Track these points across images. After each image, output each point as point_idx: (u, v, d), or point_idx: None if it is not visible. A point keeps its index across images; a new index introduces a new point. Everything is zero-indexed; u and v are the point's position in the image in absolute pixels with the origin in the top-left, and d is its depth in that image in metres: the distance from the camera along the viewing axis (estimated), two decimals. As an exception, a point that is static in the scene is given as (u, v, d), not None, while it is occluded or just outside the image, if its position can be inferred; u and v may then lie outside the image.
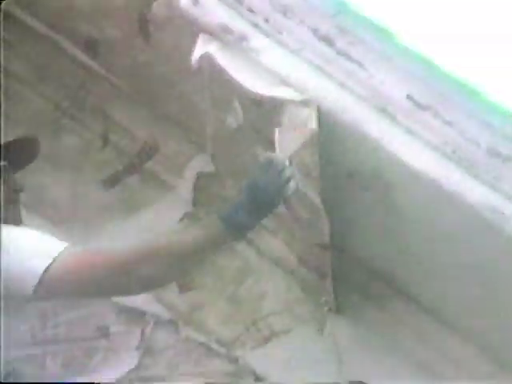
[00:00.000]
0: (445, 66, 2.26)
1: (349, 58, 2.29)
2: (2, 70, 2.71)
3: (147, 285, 2.13)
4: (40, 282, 2.01)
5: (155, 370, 2.78)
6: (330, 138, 2.30)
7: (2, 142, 2.38)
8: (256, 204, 2.08)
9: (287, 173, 2.11)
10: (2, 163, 2.32)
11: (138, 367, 2.76)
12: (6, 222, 2.22)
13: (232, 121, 2.19)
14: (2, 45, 2.88)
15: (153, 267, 2.03)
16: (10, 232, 2.12)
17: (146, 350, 2.78)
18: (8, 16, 2.88)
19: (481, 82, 2.26)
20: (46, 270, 2.01)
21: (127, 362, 2.77)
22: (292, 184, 2.12)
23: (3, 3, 2.57)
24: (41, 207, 2.86)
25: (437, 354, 2.66)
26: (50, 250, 2.06)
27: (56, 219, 2.87)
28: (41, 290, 2.02)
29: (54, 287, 2.03)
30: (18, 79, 2.99)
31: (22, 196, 2.38)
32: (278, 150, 2.22)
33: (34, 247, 2.08)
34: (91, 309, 2.83)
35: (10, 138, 2.38)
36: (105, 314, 2.83)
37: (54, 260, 2.02)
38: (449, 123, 2.22)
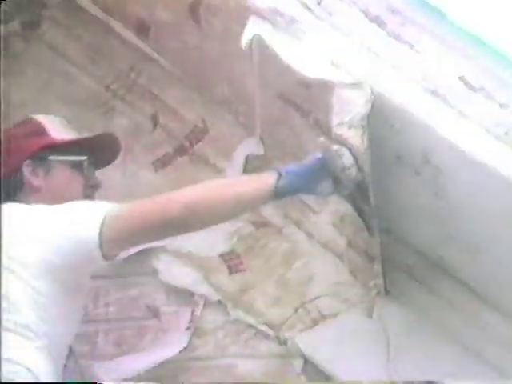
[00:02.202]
0: (498, 46, 2.23)
1: (400, 39, 2.27)
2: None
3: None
4: (102, 223, 2.06)
5: (204, 350, 2.80)
6: (380, 121, 2.28)
7: (85, 136, 2.43)
8: (314, 176, 2.16)
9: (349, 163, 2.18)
10: (83, 158, 2.37)
11: (187, 348, 2.78)
12: None
13: None
14: (59, 28, 2.93)
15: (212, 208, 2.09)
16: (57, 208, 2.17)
17: (196, 330, 2.80)
18: (62, -2, 2.93)
19: (535, 63, 2.22)
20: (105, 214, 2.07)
21: (177, 342, 2.79)
22: (351, 172, 2.18)
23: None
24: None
25: (486, 338, 2.64)
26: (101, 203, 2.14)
27: (106, 200, 2.89)
28: (106, 234, 2.05)
29: (117, 225, 2.08)
30: (70, 61, 3.02)
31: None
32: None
33: (86, 208, 2.14)
34: (141, 289, 2.87)
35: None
36: (155, 295, 2.86)
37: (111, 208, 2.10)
38: (501, 105, 2.19)
